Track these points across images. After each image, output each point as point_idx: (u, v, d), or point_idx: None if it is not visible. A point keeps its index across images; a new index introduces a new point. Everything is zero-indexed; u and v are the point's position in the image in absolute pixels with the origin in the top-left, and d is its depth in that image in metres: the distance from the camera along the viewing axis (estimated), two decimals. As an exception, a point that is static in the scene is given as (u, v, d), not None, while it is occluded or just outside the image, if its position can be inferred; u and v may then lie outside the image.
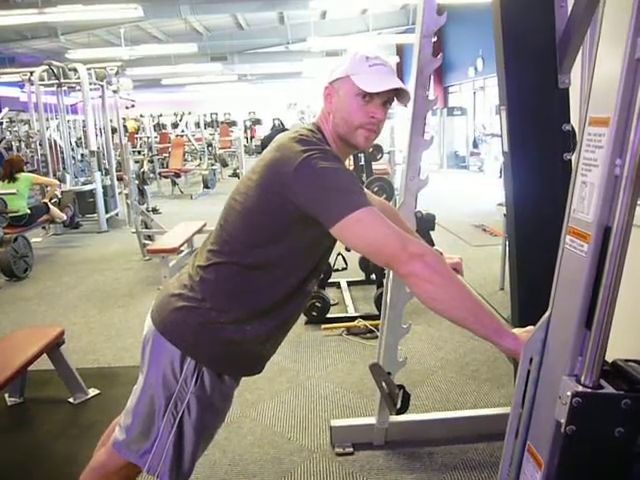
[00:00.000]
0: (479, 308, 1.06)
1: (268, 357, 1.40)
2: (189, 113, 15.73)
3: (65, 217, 6.13)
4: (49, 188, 6.13)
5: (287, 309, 1.33)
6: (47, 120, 7.54)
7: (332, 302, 3.72)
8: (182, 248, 4.93)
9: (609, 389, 0.90)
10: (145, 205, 7.16)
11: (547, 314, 1.00)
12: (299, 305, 1.37)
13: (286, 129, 7.69)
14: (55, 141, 7.53)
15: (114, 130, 9.10)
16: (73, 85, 7.37)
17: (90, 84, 7.21)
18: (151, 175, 10.53)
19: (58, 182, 6.35)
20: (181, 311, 1.26)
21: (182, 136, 12.63)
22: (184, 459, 1.31)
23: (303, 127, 1.29)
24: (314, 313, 3.53)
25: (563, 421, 0.90)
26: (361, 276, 4.25)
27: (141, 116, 17.48)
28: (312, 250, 1.28)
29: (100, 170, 7.12)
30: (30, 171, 6.63)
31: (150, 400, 1.29)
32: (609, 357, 0.96)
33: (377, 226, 1.10)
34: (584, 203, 0.90)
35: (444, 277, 1.07)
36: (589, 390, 0.89)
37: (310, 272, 1.32)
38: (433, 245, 2.36)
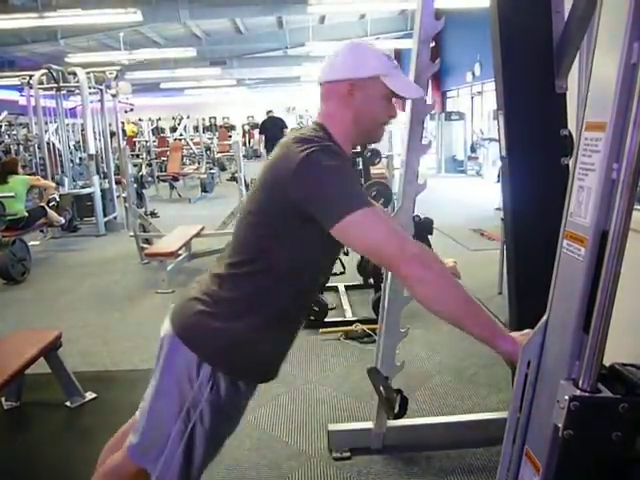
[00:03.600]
0: (477, 310, 1.07)
1: (281, 360, 1.39)
2: (188, 117, 15.76)
3: (63, 220, 6.13)
4: (46, 191, 6.11)
5: (297, 311, 1.34)
6: (46, 124, 7.54)
7: (330, 306, 3.71)
8: (180, 252, 4.92)
9: (607, 393, 0.90)
10: (143, 209, 7.16)
11: (545, 318, 1.00)
12: (308, 306, 1.38)
13: (279, 119, 7.58)
14: (54, 145, 7.53)
15: (113, 134, 9.09)
16: (72, 89, 7.36)
17: (89, 88, 7.21)
18: (149, 179, 10.53)
19: (55, 184, 6.34)
20: (200, 315, 1.25)
21: (180, 140, 12.64)
22: (193, 467, 1.29)
23: (305, 127, 1.29)
24: (312, 317, 3.52)
25: (561, 425, 0.90)
26: (359, 280, 4.25)
27: (140, 120, 17.47)
28: (319, 252, 1.27)
29: (98, 174, 7.11)
30: (28, 174, 6.62)
31: (163, 405, 1.28)
32: (607, 361, 0.96)
33: (377, 227, 1.10)
34: (581, 207, 0.90)
35: (442, 278, 1.08)
36: (587, 394, 0.89)
37: (319, 274, 1.32)
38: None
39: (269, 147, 9.55)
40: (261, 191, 1.22)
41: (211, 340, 1.25)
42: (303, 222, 1.16)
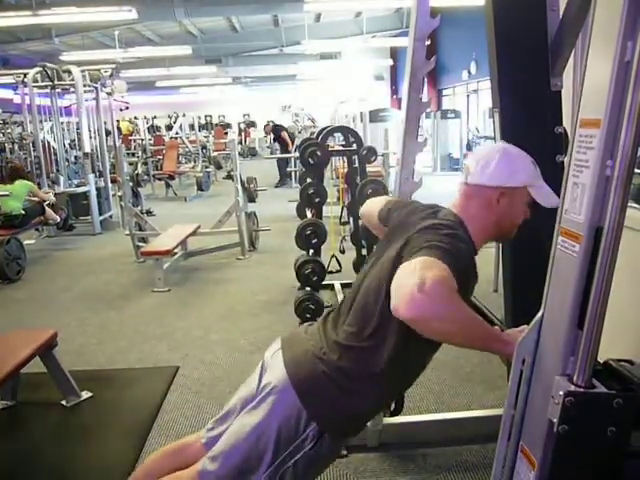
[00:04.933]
0: (480, 326, 1.10)
1: None
2: (183, 115, 15.66)
3: (59, 219, 6.10)
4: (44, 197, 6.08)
5: (411, 379, 1.41)
6: (41, 122, 7.50)
7: (326, 304, 3.71)
8: (176, 250, 4.91)
9: (601, 389, 0.91)
10: (139, 207, 7.13)
11: (539, 314, 1.00)
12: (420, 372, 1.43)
13: (283, 127, 7.68)
14: (49, 143, 7.49)
15: (108, 132, 9.07)
16: (67, 87, 7.34)
17: (84, 86, 7.17)
18: (145, 177, 10.48)
19: (53, 197, 6.26)
20: (321, 376, 1.25)
21: (176, 138, 12.59)
22: None
23: (450, 217, 1.29)
24: (308, 315, 3.52)
25: (556, 421, 0.91)
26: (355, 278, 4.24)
27: (135, 118, 17.43)
28: None
29: (94, 172, 7.08)
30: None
31: (257, 447, 1.25)
32: (602, 357, 0.97)
33: (421, 269, 1.04)
34: (576, 204, 0.90)
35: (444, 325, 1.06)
36: (581, 390, 0.90)
37: (435, 346, 1.31)
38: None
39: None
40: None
41: (327, 404, 1.25)
42: None
